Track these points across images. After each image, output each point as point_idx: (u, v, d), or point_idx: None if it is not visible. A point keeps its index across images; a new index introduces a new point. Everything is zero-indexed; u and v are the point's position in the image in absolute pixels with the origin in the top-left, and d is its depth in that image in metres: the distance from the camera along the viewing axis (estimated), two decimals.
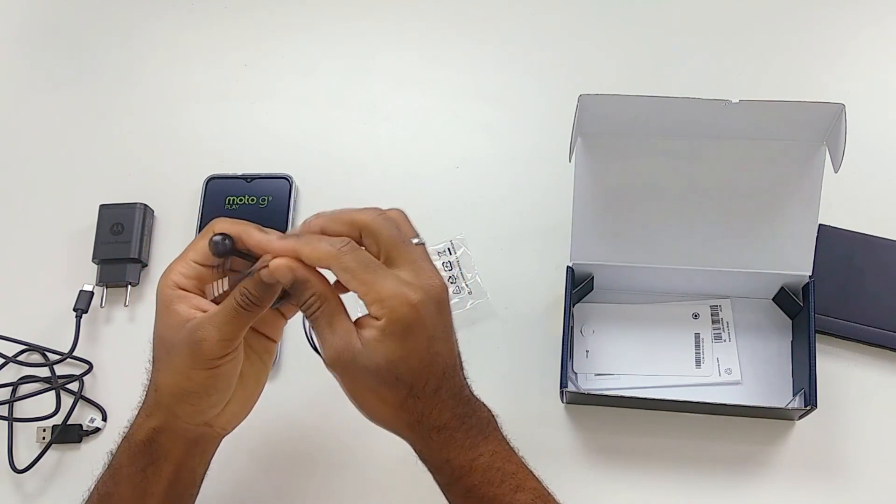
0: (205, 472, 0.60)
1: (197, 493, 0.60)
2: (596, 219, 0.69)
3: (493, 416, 0.56)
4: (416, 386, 0.52)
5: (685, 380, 0.71)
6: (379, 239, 0.52)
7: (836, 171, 0.63)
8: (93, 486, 0.58)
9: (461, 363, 0.55)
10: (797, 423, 0.70)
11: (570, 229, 0.70)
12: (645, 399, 0.69)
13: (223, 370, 0.54)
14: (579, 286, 0.73)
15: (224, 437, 0.60)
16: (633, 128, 0.66)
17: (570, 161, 0.67)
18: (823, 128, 0.63)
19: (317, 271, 0.52)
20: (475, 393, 0.56)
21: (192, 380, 0.54)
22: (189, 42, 0.90)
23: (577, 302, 0.74)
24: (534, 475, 0.55)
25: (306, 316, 0.53)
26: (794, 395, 0.69)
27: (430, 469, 0.55)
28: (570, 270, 0.70)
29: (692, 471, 0.69)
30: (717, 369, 0.71)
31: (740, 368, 0.71)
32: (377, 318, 0.50)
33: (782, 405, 0.69)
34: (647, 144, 0.67)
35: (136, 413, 0.57)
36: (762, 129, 0.65)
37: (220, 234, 0.53)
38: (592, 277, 0.73)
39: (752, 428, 0.70)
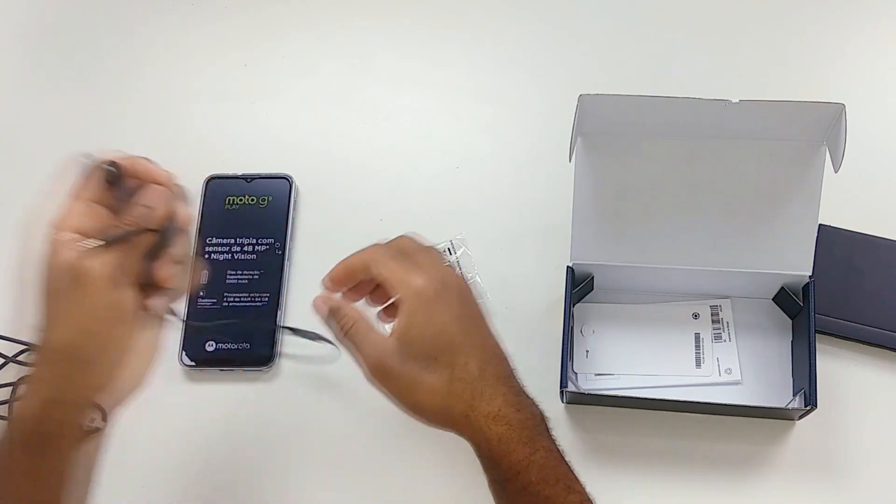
0: (97, 464, 0.55)
1: (92, 486, 0.55)
2: (596, 219, 0.69)
3: (544, 415, 0.56)
4: (457, 364, 0.54)
5: (685, 380, 0.71)
6: (402, 242, 0.58)
7: (836, 171, 0.63)
8: None
9: (508, 359, 0.57)
10: (797, 423, 0.69)
11: (570, 229, 0.70)
12: (645, 399, 0.69)
13: (119, 307, 0.50)
14: (579, 286, 0.72)
15: (114, 410, 0.55)
16: (632, 128, 0.66)
17: (570, 161, 0.67)
18: (823, 128, 0.63)
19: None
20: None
21: (92, 323, 0.50)
22: (189, 42, 0.90)
23: (578, 302, 0.74)
24: (578, 478, 0.55)
25: (343, 334, 0.56)
26: (795, 395, 0.69)
27: (487, 466, 0.55)
28: (570, 270, 0.70)
29: (692, 471, 0.69)
30: (717, 369, 0.71)
31: (740, 368, 0.71)
32: (404, 303, 0.54)
33: (782, 405, 0.69)
34: (647, 144, 0.67)
35: (13, 394, 0.53)
36: (762, 129, 0.65)
37: (109, 162, 0.52)
38: (592, 277, 0.73)
39: (752, 428, 0.70)
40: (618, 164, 0.68)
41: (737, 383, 0.70)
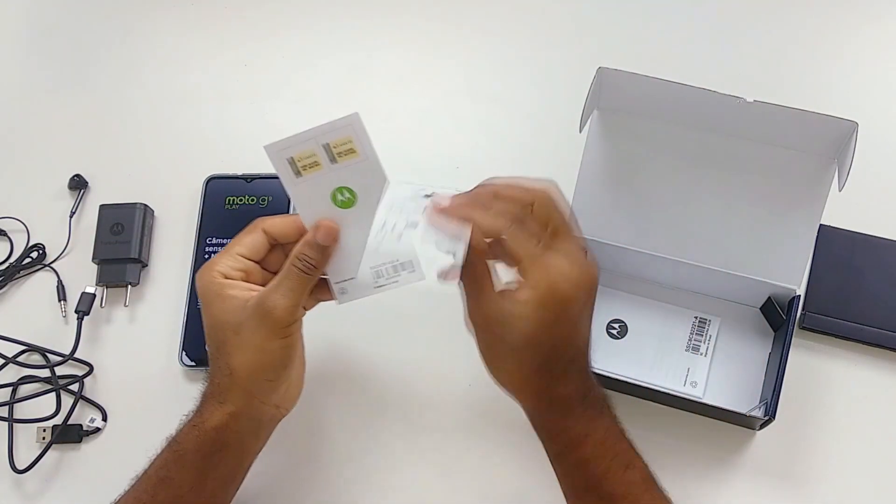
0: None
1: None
2: (597, 193, 0.69)
3: (607, 394, 0.57)
4: (553, 357, 0.54)
5: (649, 376, 0.70)
6: (551, 212, 0.53)
7: (840, 189, 0.62)
8: (149, 468, 0.60)
9: (590, 342, 0.57)
10: (758, 431, 0.69)
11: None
12: (606, 378, 0.67)
13: (294, 338, 0.58)
14: None
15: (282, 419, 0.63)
16: (647, 109, 0.66)
17: (580, 132, 0.67)
18: (834, 143, 0.63)
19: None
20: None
21: (268, 352, 0.57)
22: (189, 42, 0.90)
23: None
24: (640, 456, 0.56)
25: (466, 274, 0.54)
26: (759, 404, 0.68)
27: (542, 437, 0.57)
28: None
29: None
30: (683, 379, 0.70)
31: (706, 386, 0.70)
32: (535, 288, 0.52)
33: (742, 411, 0.67)
34: (660, 130, 0.67)
35: (202, 403, 0.59)
36: (774, 134, 0.64)
37: None
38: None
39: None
40: (628, 144, 0.68)
41: (698, 399, 0.69)
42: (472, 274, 0.54)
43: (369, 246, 0.57)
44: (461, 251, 0.53)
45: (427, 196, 0.56)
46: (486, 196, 0.54)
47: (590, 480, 0.55)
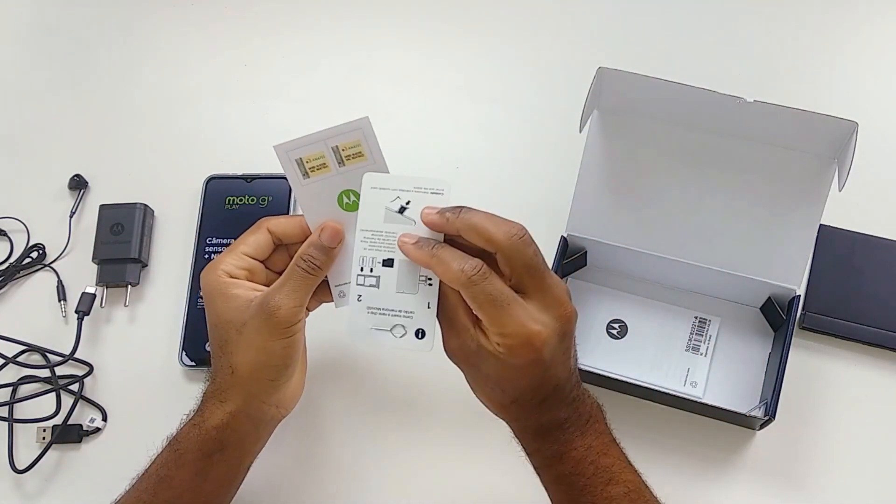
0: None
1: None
2: (598, 194, 0.69)
3: (596, 409, 0.56)
4: (528, 394, 0.54)
5: (650, 376, 0.70)
6: (512, 264, 0.52)
7: (840, 189, 0.62)
8: (149, 467, 0.60)
9: (575, 366, 0.56)
10: (759, 432, 0.69)
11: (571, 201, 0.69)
12: (608, 378, 0.68)
13: (296, 339, 0.57)
14: (571, 258, 0.72)
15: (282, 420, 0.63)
16: (647, 110, 0.66)
17: (580, 132, 0.67)
18: (834, 143, 0.63)
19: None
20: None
21: (270, 352, 0.56)
22: (189, 42, 0.90)
23: (568, 275, 0.74)
24: (632, 468, 0.56)
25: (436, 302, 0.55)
26: (760, 404, 0.68)
27: (523, 450, 0.57)
28: (564, 240, 0.70)
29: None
30: (683, 379, 0.70)
31: (706, 386, 0.70)
32: (504, 336, 0.52)
33: (743, 410, 0.67)
34: (660, 130, 0.67)
35: (203, 402, 0.59)
36: (774, 134, 0.64)
37: None
38: (585, 252, 0.73)
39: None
40: (628, 144, 0.68)
41: (698, 399, 0.69)
42: (444, 307, 0.55)
43: (353, 293, 0.56)
44: (436, 283, 0.55)
45: (404, 208, 0.55)
46: (462, 227, 0.53)
47: (569, 495, 0.55)
